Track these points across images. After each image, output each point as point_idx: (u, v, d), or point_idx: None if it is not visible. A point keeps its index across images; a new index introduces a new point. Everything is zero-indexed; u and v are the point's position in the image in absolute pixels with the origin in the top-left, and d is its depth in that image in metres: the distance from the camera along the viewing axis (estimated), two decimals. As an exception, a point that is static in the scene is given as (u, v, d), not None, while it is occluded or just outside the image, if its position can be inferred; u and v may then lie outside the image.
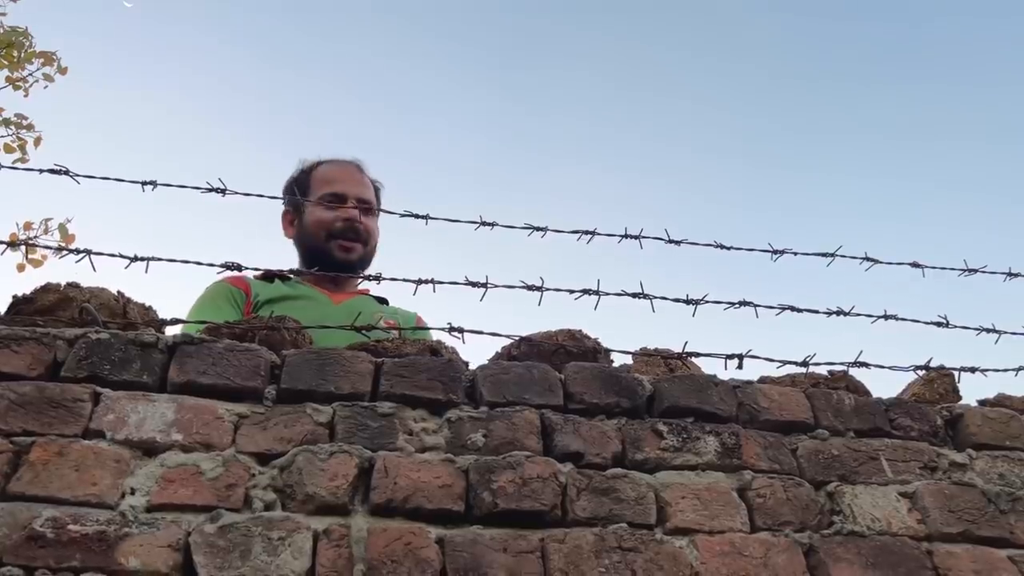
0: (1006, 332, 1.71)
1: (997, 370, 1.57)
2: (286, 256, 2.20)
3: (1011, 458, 1.37)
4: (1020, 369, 1.58)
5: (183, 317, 1.37)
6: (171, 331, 1.34)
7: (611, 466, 1.22)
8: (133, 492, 1.06)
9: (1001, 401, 1.49)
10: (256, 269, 1.49)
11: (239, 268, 1.47)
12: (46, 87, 6.62)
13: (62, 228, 6.25)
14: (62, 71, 6.77)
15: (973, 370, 1.54)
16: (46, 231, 6.21)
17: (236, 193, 1.67)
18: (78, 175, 1.62)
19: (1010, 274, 1.93)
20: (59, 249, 1.40)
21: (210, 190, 1.65)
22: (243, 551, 1.01)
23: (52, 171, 1.60)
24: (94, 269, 1.42)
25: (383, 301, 2.13)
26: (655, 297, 1.61)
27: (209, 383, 1.19)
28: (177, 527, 1.03)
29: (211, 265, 1.48)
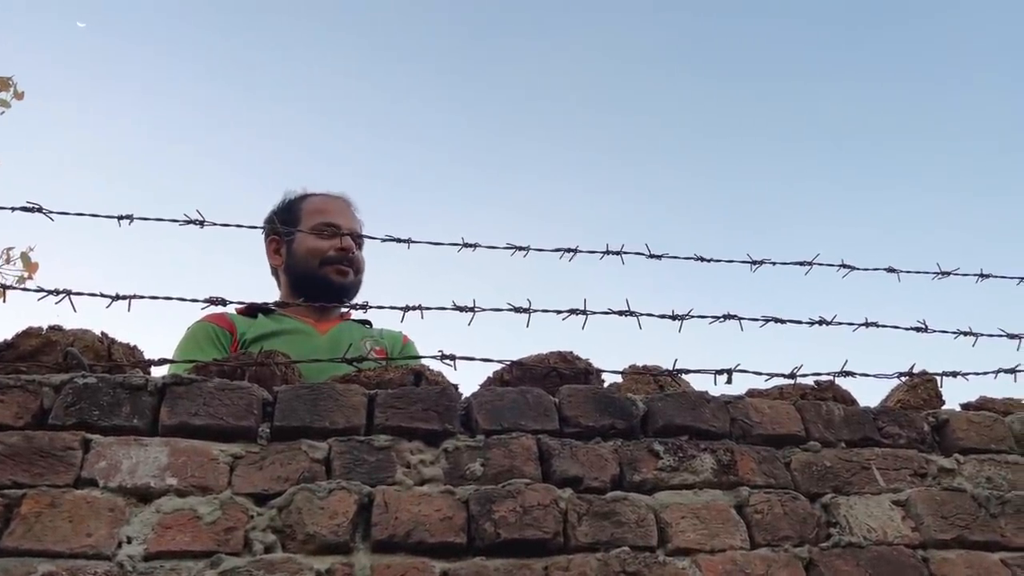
0: (983, 335, 1.75)
1: (977, 373, 1.60)
2: (269, 288, 2.18)
3: (997, 461, 1.40)
4: (999, 372, 1.61)
5: (169, 356, 1.35)
6: (157, 372, 1.32)
7: (610, 489, 1.22)
8: (130, 541, 1.04)
9: (984, 404, 1.52)
10: (241, 303, 1.46)
11: (224, 303, 1.45)
12: (2, 113, 6.50)
13: (24, 257, 6.13)
14: (18, 96, 6.65)
15: (955, 374, 1.57)
16: (7, 260, 6.09)
17: (215, 224, 1.65)
18: (51, 212, 1.59)
19: (982, 275, 1.97)
20: (38, 290, 1.36)
21: (188, 222, 1.63)
22: (246, 596, 1.00)
23: (25, 209, 1.57)
24: (75, 310, 1.39)
25: (366, 324, 2.12)
26: (641, 314, 1.62)
27: (202, 424, 1.17)
28: (177, 575, 1.01)
29: (195, 300, 1.46)
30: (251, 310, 1.95)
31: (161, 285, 1.45)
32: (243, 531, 1.07)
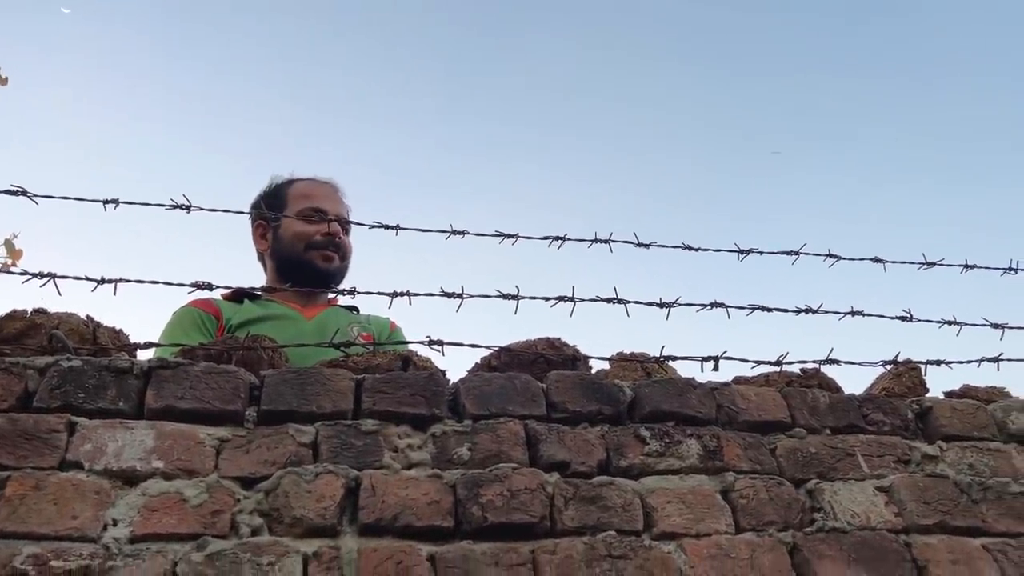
0: (966, 324, 1.77)
1: (961, 362, 1.62)
2: (256, 273, 2.17)
3: (979, 448, 1.41)
4: (982, 360, 1.62)
5: (155, 340, 1.34)
6: (143, 355, 1.32)
7: (597, 474, 1.23)
8: (115, 523, 1.03)
9: (967, 392, 1.53)
10: (227, 287, 1.46)
11: (210, 287, 1.45)
12: (-14, 98, 6.41)
13: (8, 244, 6.07)
14: (2, 81, 6.58)
15: (939, 363, 1.59)
16: (-9, 247, 6.02)
17: (201, 209, 1.64)
18: (36, 195, 1.57)
19: (966, 266, 1.99)
20: (23, 273, 1.35)
21: (174, 207, 1.62)
22: (232, 579, 1.00)
23: (8, 192, 1.56)
24: (59, 293, 1.38)
25: (354, 310, 2.12)
26: (629, 302, 1.62)
27: (188, 407, 1.17)
28: (163, 557, 1.01)
29: (181, 285, 1.45)
30: (237, 295, 1.95)
31: (147, 269, 1.44)
32: (230, 514, 1.07)
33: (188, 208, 1.61)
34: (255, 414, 1.20)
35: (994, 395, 1.54)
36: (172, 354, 1.30)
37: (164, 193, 1.59)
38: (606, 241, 1.80)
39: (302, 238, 2.02)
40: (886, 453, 1.37)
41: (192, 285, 1.45)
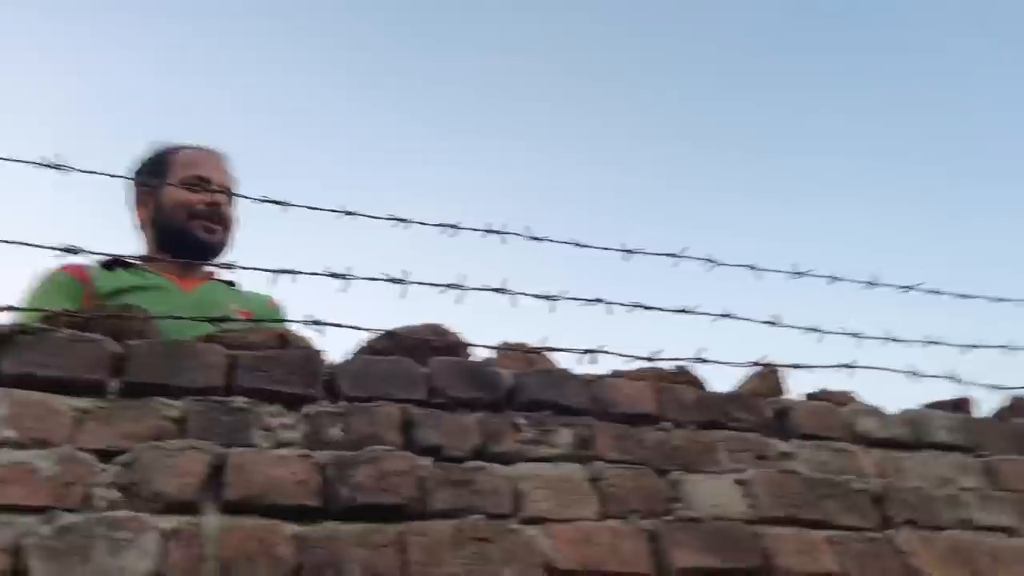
0: (828, 332, 1.88)
1: (820, 366, 1.72)
2: (133, 240, 2.08)
3: (831, 447, 1.51)
4: (839, 366, 1.73)
5: (18, 304, 1.27)
6: (2, 319, 1.24)
7: (471, 459, 1.24)
8: (-43, 494, 0.98)
9: (823, 395, 1.63)
10: (100, 254, 1.40)
11: (75, 252, 1.38)
12: None
13: None
14: None
15: (799, 366, 1.69)
16: None
17: (75, 170, 1.56)
18: None
19: (832, 278, 2.12)
20: None
21: (46, 166, 1.53)
22: (83, 554, 0.96)
23: None
24: (-91, 248, 1.29)
25: (233, 285, 2.06)
26: (516, 292, 1.65)
27: (48, 375, 1.12)
28: (10, 529, 0.96)
29: (46, 248, 1.38)
30: (111, 263, 1.86)
31: (15, 230, 1.36)
32: (84, 487, 1.03)
33: (60, 167, 1.53)
34: (120, 386, 1.15)
35: (847, 399, 1.65)
36: (34, 320, 1.24)
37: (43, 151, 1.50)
38: (499, 232, 1.82)
39: (184, 206, 1.95)
40: (746, 449, 1.44)
41: (59, 249, 1.38)
